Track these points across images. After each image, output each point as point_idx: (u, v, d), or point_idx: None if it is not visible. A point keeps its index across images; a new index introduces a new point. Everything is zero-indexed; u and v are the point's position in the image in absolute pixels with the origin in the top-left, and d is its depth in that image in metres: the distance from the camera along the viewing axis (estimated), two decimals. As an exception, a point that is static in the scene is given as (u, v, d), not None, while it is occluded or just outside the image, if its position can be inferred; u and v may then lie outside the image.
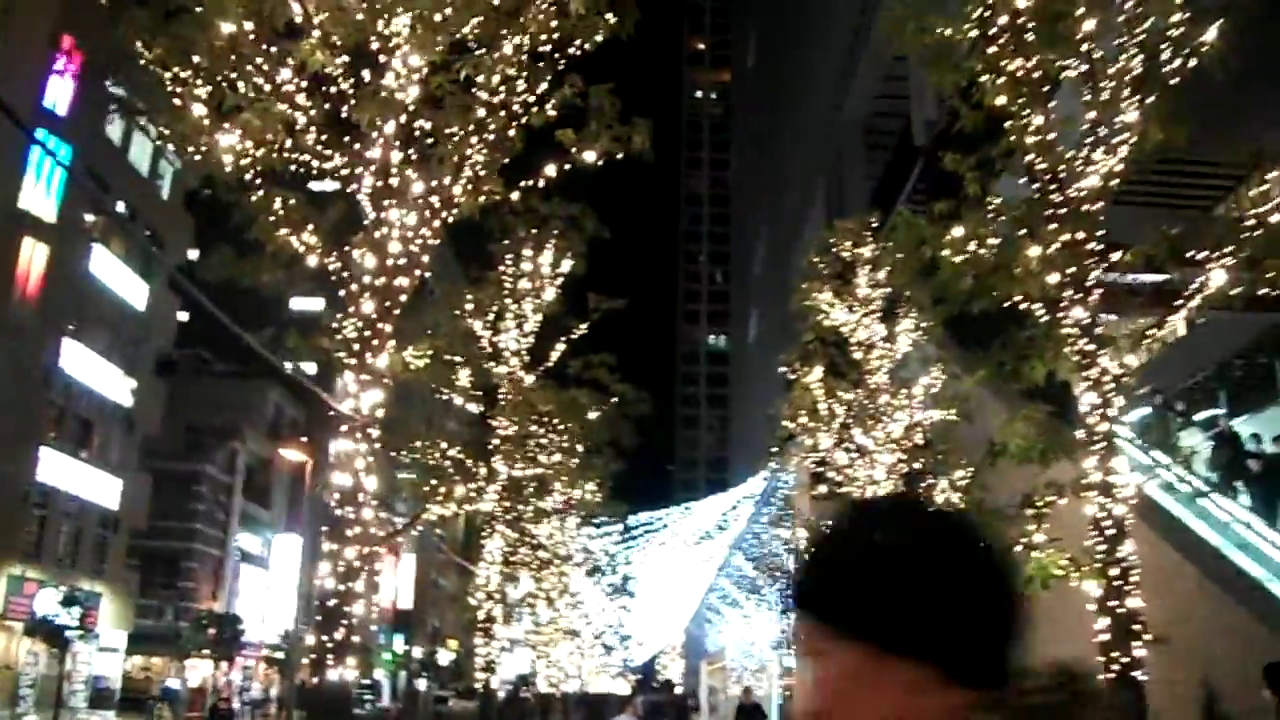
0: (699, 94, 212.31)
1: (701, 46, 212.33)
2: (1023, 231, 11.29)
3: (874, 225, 22.34)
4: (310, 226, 12.00)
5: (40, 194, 42.47)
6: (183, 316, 55.90)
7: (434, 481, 14.61)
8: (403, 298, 12.54)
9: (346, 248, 12.22)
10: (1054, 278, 10.96)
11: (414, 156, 12.41)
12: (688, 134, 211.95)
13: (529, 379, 22.02)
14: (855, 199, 53.32)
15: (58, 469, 43.75)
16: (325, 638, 12.29)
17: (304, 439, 48.94)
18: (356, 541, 12.48)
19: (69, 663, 44.33)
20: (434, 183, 12.45)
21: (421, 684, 76.05)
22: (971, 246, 11.33)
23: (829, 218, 29.26)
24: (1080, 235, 10.81)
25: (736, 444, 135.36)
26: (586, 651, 59.81)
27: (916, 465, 20.99)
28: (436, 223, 12.51)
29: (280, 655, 57.01)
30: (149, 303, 50.29)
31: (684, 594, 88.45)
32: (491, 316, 21.50)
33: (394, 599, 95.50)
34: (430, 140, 12.62)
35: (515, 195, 13.20)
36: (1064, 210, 10.86)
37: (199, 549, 58.15)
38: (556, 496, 30.35)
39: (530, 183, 13.28)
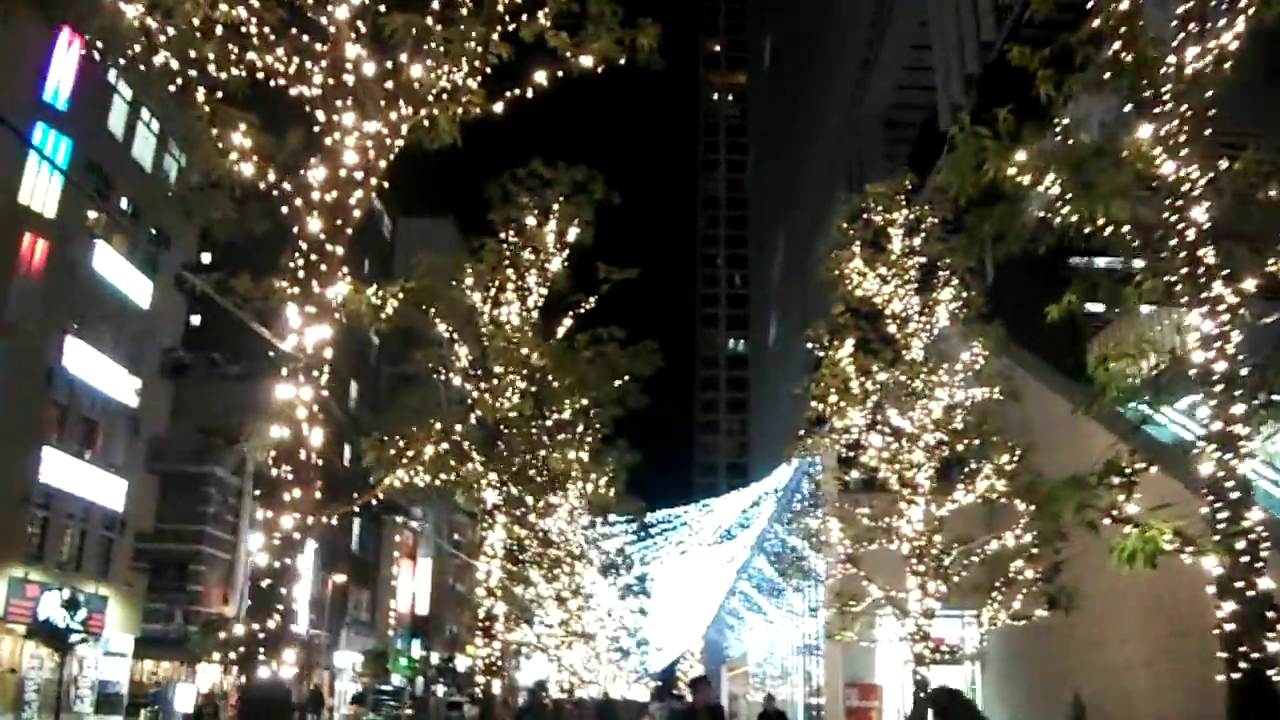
0: (715, 96, 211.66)
1: (717, 49, 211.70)
2: (1129, 107, 9.63)
3: (909, 188, 20.82)
4: (243, 126, 10.27)
5: (41, 189, 41.26)
6: (195, 320, 54.88)
7: (400, 441, 12.45)
8: (357, 213, 10.92)
9: (302, 171, 10.49)
10: (1169, 167, 9.34)
11: (367, 33, 10.66)
12: (704, 136, 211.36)
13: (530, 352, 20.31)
14: (878, 193, 52.20)
15: (61, 469, 42.57)
16: (256, 626, 10.52)
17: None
18: (296, 509, 10.68)
19: (75, 666, 43.41)
20: (389, 64, 10.76)
21: (440, 689, 74.90)
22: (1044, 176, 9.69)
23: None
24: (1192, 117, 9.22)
25: (757, 448, 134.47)
26: (602, 656, 58.25)
27: (959, 448, 19.43)
28: (395, 115, 10.81)
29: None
30: (154, 301, 49.07)
31: (703, 597, 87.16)
32: (493, 291, 19.90)
33: (411, 604, 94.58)
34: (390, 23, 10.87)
35: (499, 107, 11.42)
36: (1163, 106, 9.29)
37: (209, 552, 57.03)
38: (567, 488, 29.00)
39: (516, 92, 11.44)
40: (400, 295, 11.57)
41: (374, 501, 49.02)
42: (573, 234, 20.78)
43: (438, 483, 12.59)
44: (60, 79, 42.10)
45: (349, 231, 10.82)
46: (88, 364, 44.10)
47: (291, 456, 10.64)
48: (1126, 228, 9.57)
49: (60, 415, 43.60)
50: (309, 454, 10.70)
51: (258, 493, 11.59)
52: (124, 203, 46.81)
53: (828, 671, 34.41)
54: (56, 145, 41.87)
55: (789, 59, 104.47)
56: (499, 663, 20.31)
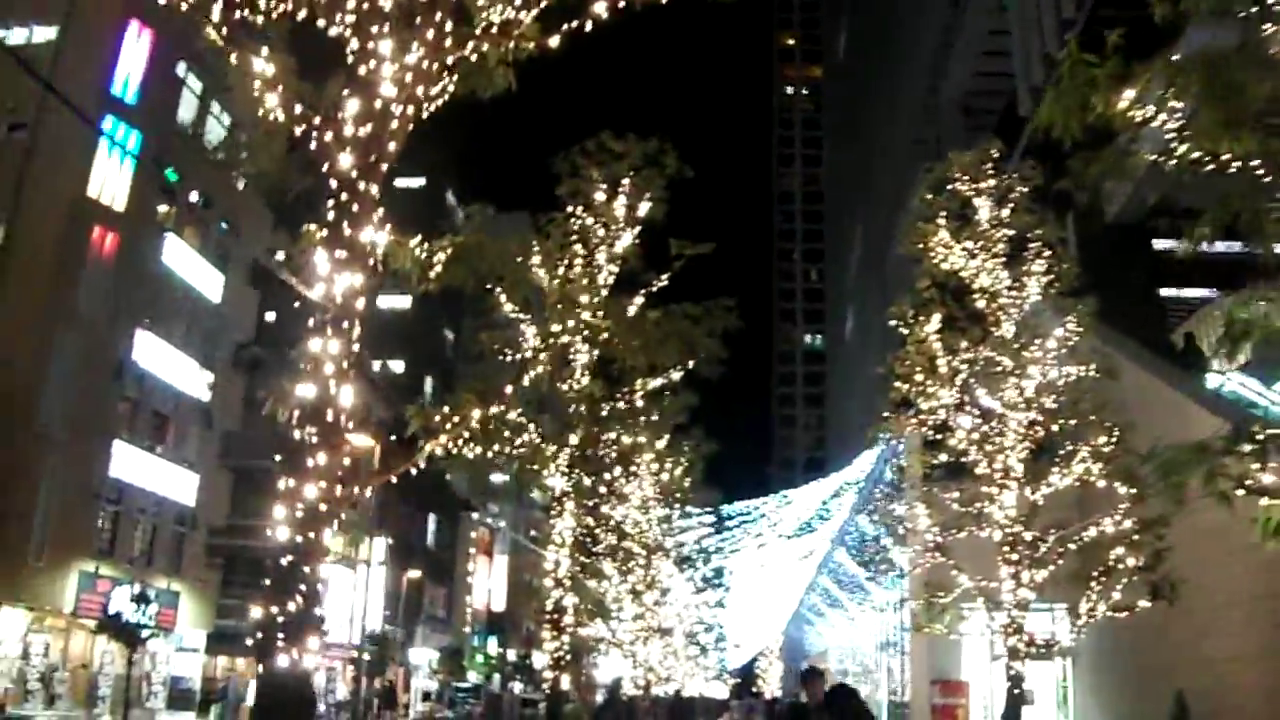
0: (789, 90, 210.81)
1: (791, 42, 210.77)
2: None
3: (995, 157, 19.71)
4: (265, 50, 9.31)
5: (110, 182, 41.09)
6: (269, 316, 54.58)
7: (445, 409, 11.30)
8: (393, 146, 9.82)
9: (337, 111, 9.51)
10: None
11: None
12: (779, 130, 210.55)
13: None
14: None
15: (132, 464, 42.41)
16: (276, 609, 9.16)
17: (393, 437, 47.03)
18: (321, 477, 9.42)
19: (147, 662, 43.28)
20: None
21: (517, 686, 74.57)
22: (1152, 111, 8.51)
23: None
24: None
25: (834, 443, 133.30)
26: (679, 652, 57.38)
27: (1054, 428, 18.30)
28: (433, 33, 9.74)
29: (367, 656, 55.55)
30: (225, 295, 48.82)
31: (782, 593, 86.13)
32: (560, 269, 18.92)
33: (487, 600, 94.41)
34: None
35: (555, 41, 10.42)
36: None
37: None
38: (640, 475, 28.17)
39: (575, 25, 10.40)
40: (448, 249, 10.39)
41: (452, 497, 48.48)
42: (644, 209, 19.83)
43: (490, 455, 11.51)
44: (130, 72, 41.97)
45: (384, 168, 9.84)
46: (159, 357, 43.94)
47: (317, 417, 9.52)
48: (1256, 162, 8.40)
49: (131, 409, 43.49)
50: (338, 415, 9.60)
51: (278, 458, 10.04)
52: (194, 196, 46.62)
53: (913, 668, 33.27)
54: (125, 138, 41.74)
55: (864, 50, 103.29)
56: (568, 658, 19.29)
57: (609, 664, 64.29)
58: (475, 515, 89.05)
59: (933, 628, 19.81)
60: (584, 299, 18.66)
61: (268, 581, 9.49)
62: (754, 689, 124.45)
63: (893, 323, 19.98)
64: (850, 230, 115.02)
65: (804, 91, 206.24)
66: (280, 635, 9.08)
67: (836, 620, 66.40)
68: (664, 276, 19.94)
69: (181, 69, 45.44)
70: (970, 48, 61.80)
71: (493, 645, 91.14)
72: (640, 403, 21.88)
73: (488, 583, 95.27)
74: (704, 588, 63.15)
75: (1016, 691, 17.91)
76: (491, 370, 20.99)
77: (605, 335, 18.54)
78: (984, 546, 19.02)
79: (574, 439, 18.59)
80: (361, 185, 9.51)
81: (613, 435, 20.76)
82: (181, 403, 46.49)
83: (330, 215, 9.48)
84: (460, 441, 10.81)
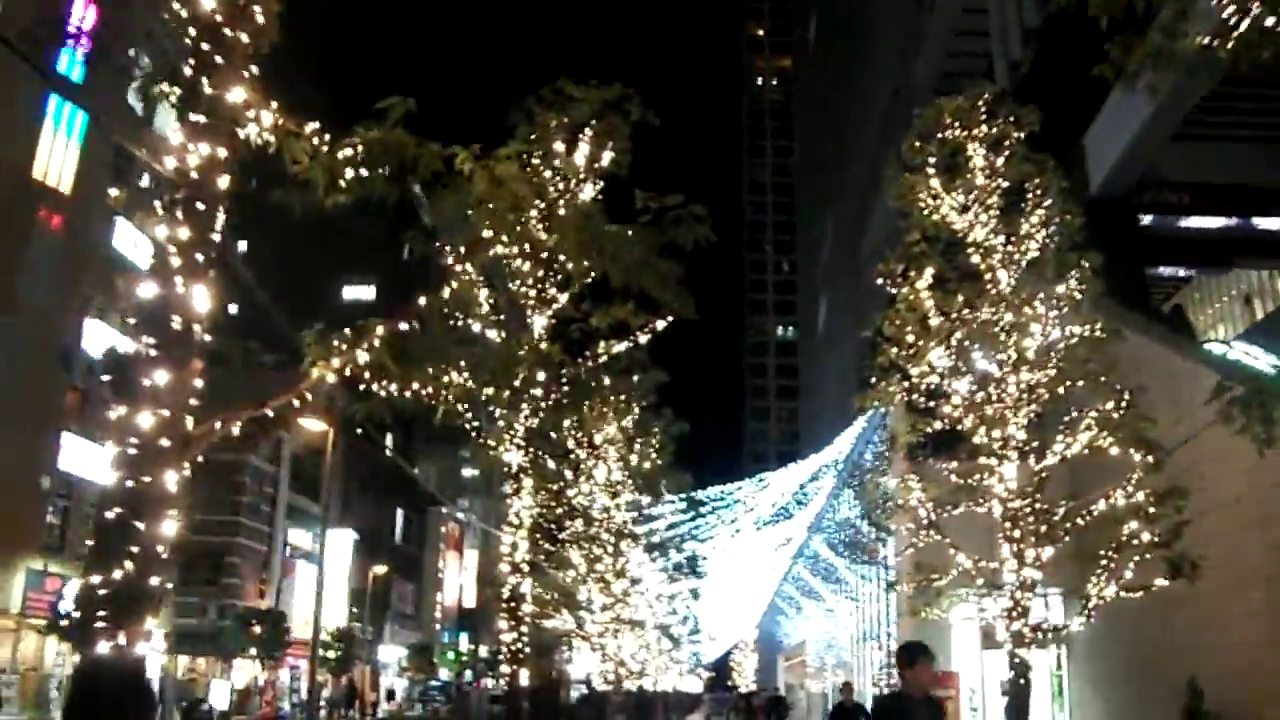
0: (760, 81, 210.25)
1: (761, 33, 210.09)
2: None
3: (989, 99, 18.14)
4: None
5: (56, 164, 39.50)
6: (231, 309, 52.94)
7: (346, 331, 9.05)
8: None
9: None
10: None
11: None
12: (749, 122, 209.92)
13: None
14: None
15: (82, 457, 40.74)
16: (99, 579, 6.95)
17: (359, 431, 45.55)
18: (164, 403, 7.33)
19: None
20: None
21: (489, 683, 73.50)
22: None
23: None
24: None
25: (807, 436, 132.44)
26: (652, 645, 55.97)
27: (1060, 390, 16.78)
28: None
29: (332, 654, 54.05)
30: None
31: (757, 584, 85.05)
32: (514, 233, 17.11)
33: (458, 596, 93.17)
34: None
35: None
36: None
37: (243, 544, 55.34)
38: (607, 455, 26.93)
39: None
40: (359, 147, 8.37)
41: (420, 491, 46.91)
42: (606, 158, 18.15)
43: (409, 394, 9.72)
44: (76, 50, 40.46)
45: (258, 11, 7.97)
46: (110, 346, 42.30)
47: (159, 324, 7.50)
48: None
49: (80, 400, 41.83)
50: (188, 322, 7.61)
51: (107, 378, 7.86)
52: (145, 179, 45.02)
53: (899, 657, 31.94)
54: (72, 118, 40.18)
55: (834, 37, 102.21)
56: (526, 650, 17.65)
57: (583, 659, 63.04)
58: (445, 510, 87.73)
59: (928, 611, 18.24)
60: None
61: (90, 543, 7.68)
62: (729, 683, 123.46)
63: (880, 281, 18.40)
64: (822, 219, 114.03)
65: (774, 81, 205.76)
66: (103, 613, 6.95)
67: (813, 612, 65.32)
68: (629, 232, 18.21)
69: (131, 51, 43.85)
70: (943, 28, 60.56)
71: (464, 642, 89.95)
72: (607, 379, 20.33)
73: (458, 578, 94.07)
74: (676, 576, 61.87)
75: (1023, 681, 16.38)
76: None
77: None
78: (979, 523, 17.50)
79: (528, 409, 16.99)
80: (228, 32, 7.79)
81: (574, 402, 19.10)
82: (134, 393, 44.91)
83: (188, 71, 7.77)
84: (367, 374, 8.95)
